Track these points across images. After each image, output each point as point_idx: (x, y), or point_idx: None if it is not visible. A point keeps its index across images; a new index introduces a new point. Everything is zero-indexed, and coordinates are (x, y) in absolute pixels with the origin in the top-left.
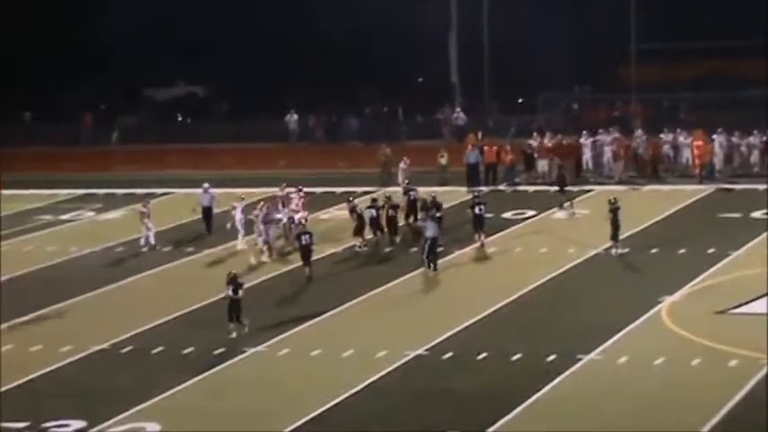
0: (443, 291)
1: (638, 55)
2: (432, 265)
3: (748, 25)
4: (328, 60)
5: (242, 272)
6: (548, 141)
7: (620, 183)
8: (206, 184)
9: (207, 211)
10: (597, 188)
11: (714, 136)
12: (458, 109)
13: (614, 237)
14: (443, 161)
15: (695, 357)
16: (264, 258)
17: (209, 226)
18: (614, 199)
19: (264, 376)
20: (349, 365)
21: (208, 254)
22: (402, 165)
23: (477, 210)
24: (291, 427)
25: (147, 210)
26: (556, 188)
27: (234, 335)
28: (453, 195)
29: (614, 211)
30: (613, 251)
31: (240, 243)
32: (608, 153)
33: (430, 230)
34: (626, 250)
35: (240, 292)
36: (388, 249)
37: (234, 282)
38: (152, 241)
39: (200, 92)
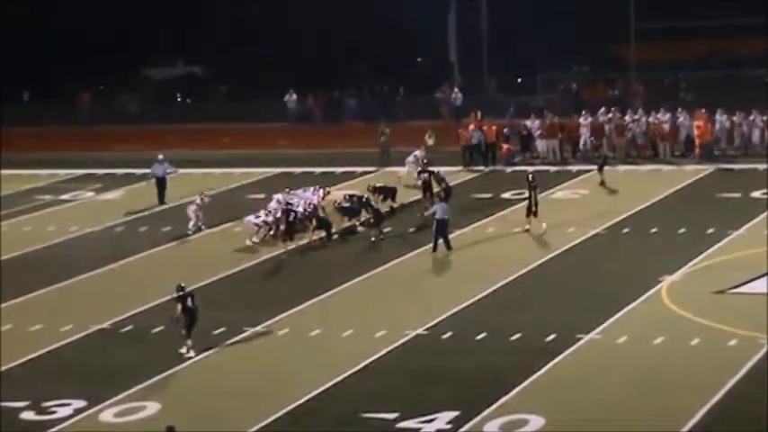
0: (443, 271)
1: (637, 34)
2: (439, 245)
3: (749, 3)
4: (327, 40)
5: (238, 251)
6: (547, 121)
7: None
8: (161, 156)
9: (160, 182)
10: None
11: (716, 116)
12: (456, 89)
13: (529, 213)
14: (431, 141)
15: (695, 337)
16: (256, 239)
17: (162, 197)
18: (532, 177)
19: (264, 356)
20: (348, 345)
21: (208, 233)
22: (418, 152)
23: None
24: (291, 407)
25: (201, 203)
26: (596, 167)
27: (192, 353)
28: (451, 177)
29: (533, 188)
30: (527, 227)
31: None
32: (607, 131)
33: (439, 212)
34: (624, 230)
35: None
36: (386, 230)
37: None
38: (200, 224)
39: (199, 72)
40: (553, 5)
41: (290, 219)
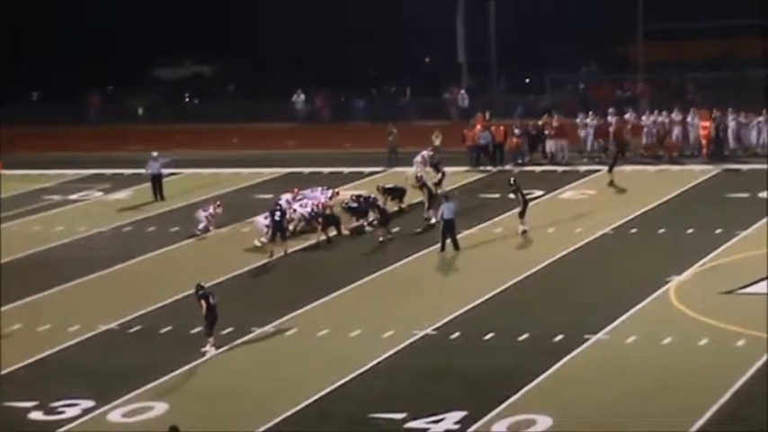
0: (451, 271)
1: (646, 34)
2: (447, 245)
3: (757, 4)
4: (335, 40)
5: (246, 251)
6: (555, 122)
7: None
8: (155, 153)
9: (155, 179)
10: (603, 168)
11: (727, 116)
12: (462, 90)
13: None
14: (437, 142)
15: (702, 337)
16: (264, 240)
17: (160, 193)
18: (514, 180)
19: (272, 356)
20: (356, 345)
21: (216, 233)
22: (425, 152)
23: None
24: (299, 407)
25: (214, 212)
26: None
27: (213, 350)
28: (459, 177)
29: (515, 191)
30: (520, 228)
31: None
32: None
33: (446, 212)
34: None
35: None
36: (395, 230)
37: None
38: (209, 227)
39: (208, 72)
40: (561, 6)
41: (276, 219)
